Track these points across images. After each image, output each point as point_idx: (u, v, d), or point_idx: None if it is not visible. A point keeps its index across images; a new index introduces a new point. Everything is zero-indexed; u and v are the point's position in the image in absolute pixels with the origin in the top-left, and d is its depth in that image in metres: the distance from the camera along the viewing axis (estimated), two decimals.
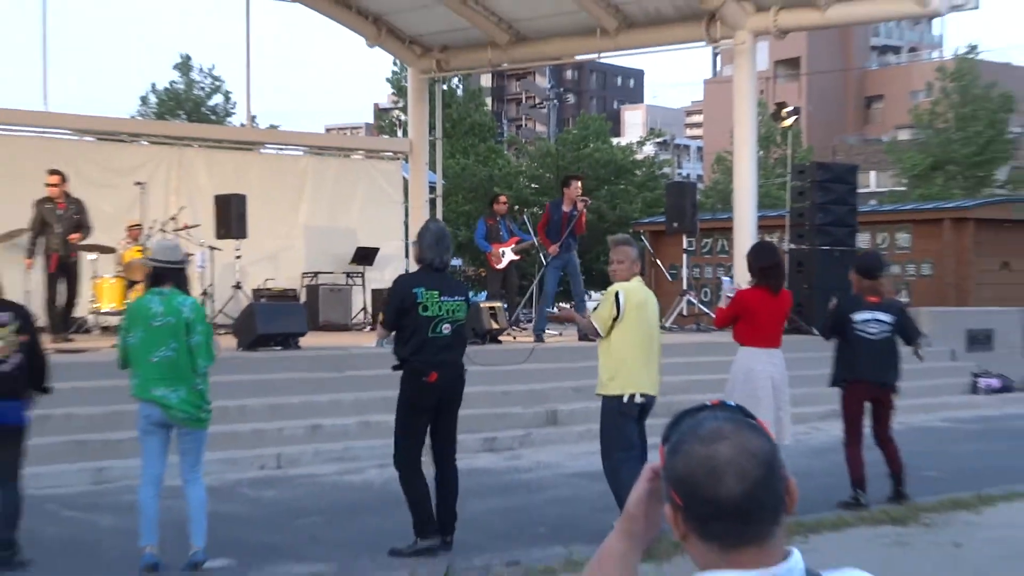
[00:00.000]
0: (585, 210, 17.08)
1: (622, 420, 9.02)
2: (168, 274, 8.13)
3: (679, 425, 2.33)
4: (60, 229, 15.30)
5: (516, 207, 32.61)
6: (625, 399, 8.96)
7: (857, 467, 10.44)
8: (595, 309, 9.32)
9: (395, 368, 8.64)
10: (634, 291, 9.08)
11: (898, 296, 21.12)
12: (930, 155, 52.77)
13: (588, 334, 9.25)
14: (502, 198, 20.09)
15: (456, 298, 8.62)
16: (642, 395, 9.00)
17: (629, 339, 9.02)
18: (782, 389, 10.01)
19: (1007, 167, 53.68)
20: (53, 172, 15.68)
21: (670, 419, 2.36)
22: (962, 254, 22.10)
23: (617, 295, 8.93)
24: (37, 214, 15.51)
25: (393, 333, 8.81)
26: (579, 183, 17.37)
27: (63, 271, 15.54)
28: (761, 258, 10.32)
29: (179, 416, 7.93)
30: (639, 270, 9.36)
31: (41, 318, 13.48)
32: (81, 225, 15.53)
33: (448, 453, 8.74)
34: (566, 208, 16.56)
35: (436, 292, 8.48)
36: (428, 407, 8.61)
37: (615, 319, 8.92)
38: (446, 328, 8.49)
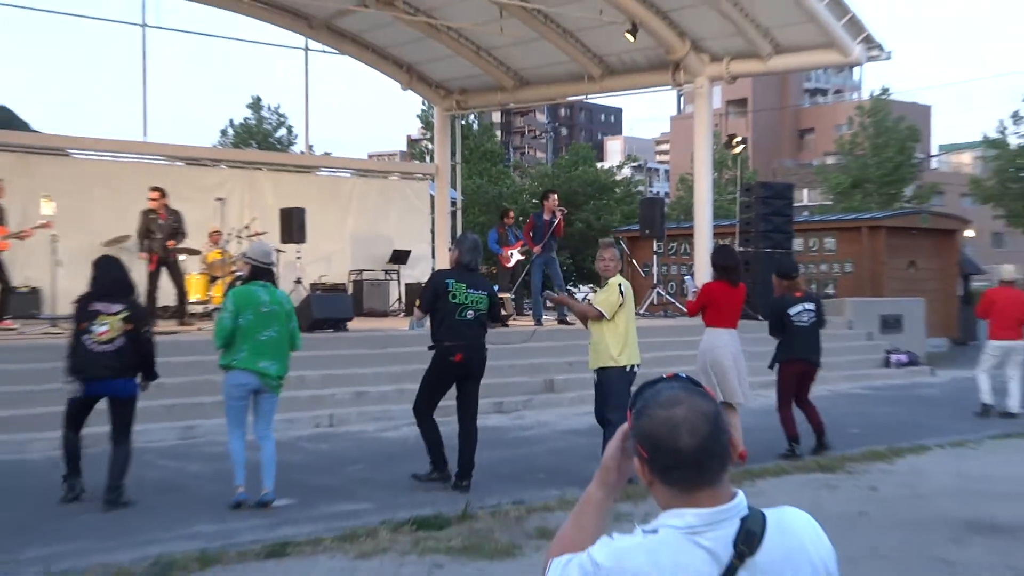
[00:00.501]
0: (562, 217, 17.21)
1: (621, 383, 9.00)
2: (264, 272, 8.22)
3: (642, 394, 2.38)
4: (161, 235, 15.35)
5: (520, 218, 32.53)
6: (628, 368, 9.02)
7: (791, 426, 10.52)
8: (595, 297, 9.27)
9: (430, 348, 8.71)
10: (626, 283, 9.16)
11: (825, 289, 21.21)
12: (851, 176, 52.87)
13: (588, 316, 9.19)
14: (510, 212, 20.25)
15: (480, 292, 8.71)
16: (636, 366, 9.11)
17: (629, 321, 9.10)
18: (740, 361, 10.11)
19: (913, 185, 53.80)
20: (154, 189, 15.73)
21: (636, 388, 2.44)
22: (877, 255, 22.11)
23: (620, 286, 9.01)
24: (143, 223, 15.51)
25: (427, 318, 8.88)
26: (555, 196, 17.65)
27: (163, 269, 15.59)
28: (723, 258, 10.46)
29: (272, 383, 8.08)
30: (621, 267, 9.43)
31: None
32: (178, 232, 15.57)
33: (470, 415, 8.81)
34: (546, 216, 16.86)
35: (464, 285, 8.58)
36: (450, 381, 8.70)
37: (620, 305, 8.97)
38: (470, 314, 8.60)
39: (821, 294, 12.45)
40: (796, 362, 10.66)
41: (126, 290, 8.29)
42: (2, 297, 14.37)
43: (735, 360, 10.01)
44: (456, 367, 8.64)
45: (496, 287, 18.67)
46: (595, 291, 9.60)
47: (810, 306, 10.65)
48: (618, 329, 9.00)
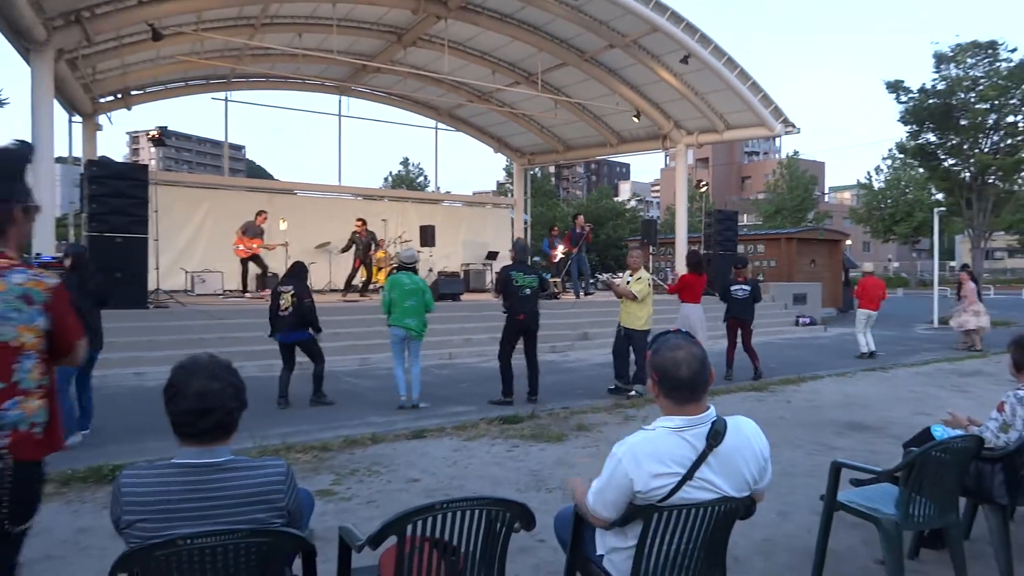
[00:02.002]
0: (589, 231, 17.16)
1: (645, 342, 8.97)
2: (408, 267, 8.21)
3: (657, 340, 2.43)
4: (361, 246, 15.89)
5: (565, 231, 32.42)
6: (646, 331, 8.89)
7: (730, 358, 10.55)
8: (632, 284, 8.93)
9: (503, 312, 8.59)
10: (650, 276, 9.12)
11: (757, 277, 20.81)
12: (773, 206, 52.10)
13: (627, 297, 9.00)
14: (555, 227, 20.31)
15: (532, 276, 8.51)
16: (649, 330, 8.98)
17: (651, 301, 8.96)
18: (703, 322, 9.96)
19: (813, 212, 52.77)
20: (359, 219, 16.36)
21: (653, 337, 2.48)
22: (790, 256, 21.71)
23: (650, 280, 8.99)
24: (350, 238, 16.10)
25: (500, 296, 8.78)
26: (582, 217, 17.67)
27: (363, 265, 16.18)
28: (693, 258, 10.45)
29: (413, 334, 8.02)
30: (645, 263, 9.37)
31: (340, 286, 13.97)
32: (371, 245, 16.05)
33: (533, 355, 8.63)
34: (578, 230, 16.78)
35: (522, 274, 8.42)
36: (518, 333, 8.47)
37: (648, 292, 8.91)
38: (527, 292, 8.42)
39: (755, 279, 12.35)
40: (732, 318, 10.63)
41: (295, 278, 8.31)
42: (262, 278, 14.93)
43: (700, 322, 9.90)
44: (521, 323, 8.43)
45: (548, 274, 18.74)
46: (623, 277, 9.42)
47: (746, 287, 10.57)
48: (645, 307, 8.88)
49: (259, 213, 15.09)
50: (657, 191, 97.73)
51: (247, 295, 14.63)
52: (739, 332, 10.62)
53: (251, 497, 2.19)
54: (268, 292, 14.81)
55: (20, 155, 2.56)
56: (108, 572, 2.05)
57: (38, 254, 11.31)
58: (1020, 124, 21.12)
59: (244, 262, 14.83)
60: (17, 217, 2.48)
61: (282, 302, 8.06)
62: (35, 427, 2.42)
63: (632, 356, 8.98)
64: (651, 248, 21.53)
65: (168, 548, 2.03)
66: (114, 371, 9.39)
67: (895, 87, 20.62)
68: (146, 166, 12.89)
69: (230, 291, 15.76)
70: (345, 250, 16.32)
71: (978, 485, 3.77)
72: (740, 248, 20.56)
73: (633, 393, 8.79)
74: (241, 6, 14.59)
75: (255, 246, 14.72)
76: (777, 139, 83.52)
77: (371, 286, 16.49)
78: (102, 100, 17.16)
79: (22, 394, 2.39)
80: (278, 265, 16.69)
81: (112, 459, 5.64)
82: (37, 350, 2.44)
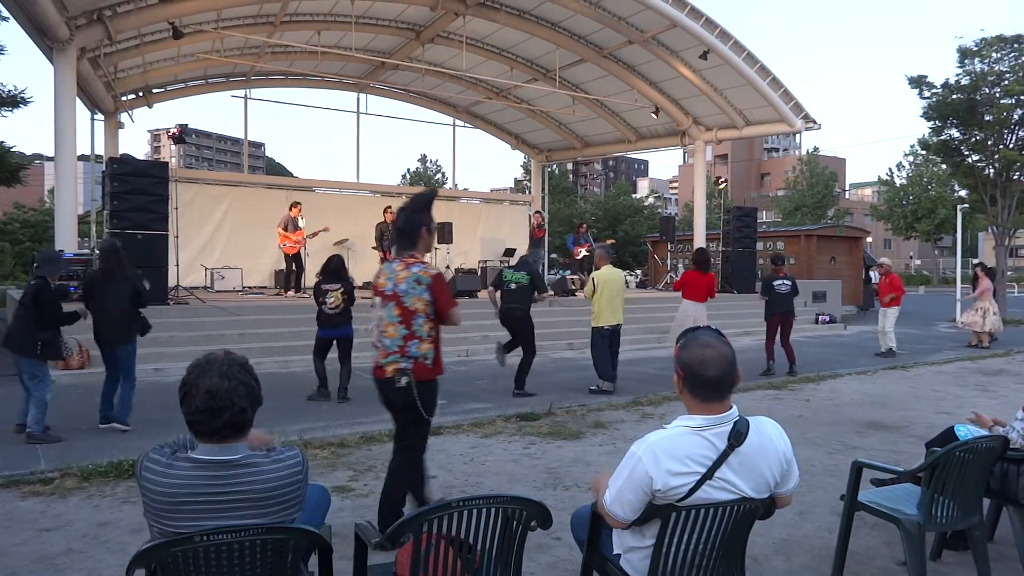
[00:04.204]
0: (537, 226, 17.42)
1: (598, 337, 8.91)
2: None
3: (687, 335, 2.41)
4: (390, 238, 15.43)
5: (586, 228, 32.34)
6: (598, 327, 8.88)
7: (771, 353, 10.58)
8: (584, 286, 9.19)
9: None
10: (601, 274, 8.89)
11: None
12: (793, 203, 51.75)
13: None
14: (583, 225, 20.24)
15: (520, 274, 8.56)
16: (609, 326, 8.84)
17: (600, 299, 8.81)
18: (701, 321, 9.82)
19: (833, 209, 52.36)
20: (387, 207, 15.86)
21: (681, 332, 2.44)
22: (810, 253, 21.52)
23: (594, 279, 8.87)
24: (378, 229, 15.57)
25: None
26: (539, 213, 18.90)
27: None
28: (698, 255, 10.45)
29: None
30: (610, 262, 9.09)
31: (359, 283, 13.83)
32: None
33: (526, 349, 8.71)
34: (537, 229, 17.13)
35: (512, 271, 8.49)
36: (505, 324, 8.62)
37: (594, 291, 8.80)
38: (513, 286, 8.49)
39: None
40: (777, 314, 10.62)
41: (340, 275, 8.36)
42: (298, 276, 14.82)
43: (696, 320, 9.68)
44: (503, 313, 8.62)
45: (569, 271, 18.69)
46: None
47: (787, 282, 10.66)
48: (597, 304, 8.84)
49: (293, 205, 14.76)
50: (676, 188, 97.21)
51: (288, 294, 14.63)
52: (780, 327, 10.62)
53: (269, 492, 2.19)
54: (291, 293, 14.93)
55: (430, 196, 4.29)
56: (126, 567, 2.07)
57: (61, 250, 11.45)
58: None
59: (288, 260, 14.73)
60: (424, 235, 4.12)
61: (331, 300, 8.09)
62: (426, 359, 4.02)
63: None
64: (669, 245, 21.49)
65: (185, 544, 2.04)
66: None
67: (918, 82, 20.37)
68: (166, 163, 12.97)
69: (250, 288, 15.87)
70: (378, 245, 15.99)
71: (1003, 486, 3.71)
72: (759, 245, 20.44)
73: (594, 388, 8.88)
74: (261, 4, 14.69)
75: (297, 238, 14.64)
76: (797, 135, 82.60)
77: None
78: (124, 98, 17.35)
79: (418, 339, 3.98)
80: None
81: (132, 455, 5.68)
82: (425, 313, 3.96)
